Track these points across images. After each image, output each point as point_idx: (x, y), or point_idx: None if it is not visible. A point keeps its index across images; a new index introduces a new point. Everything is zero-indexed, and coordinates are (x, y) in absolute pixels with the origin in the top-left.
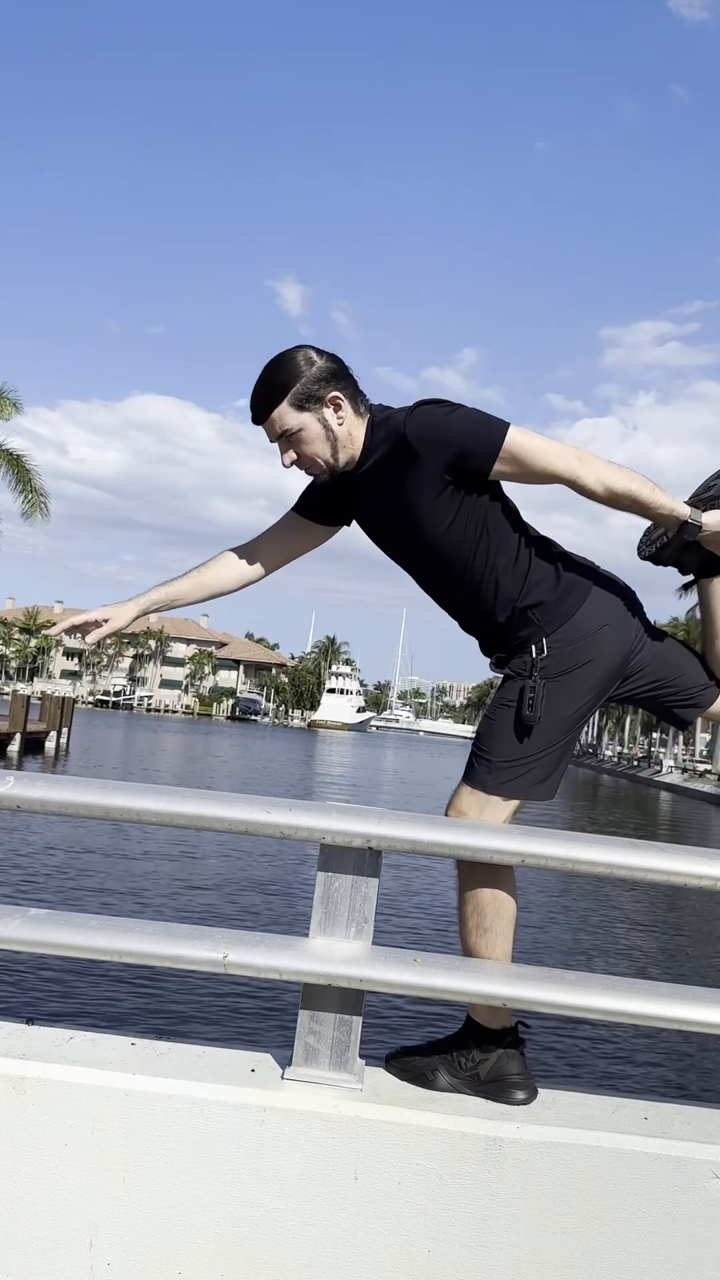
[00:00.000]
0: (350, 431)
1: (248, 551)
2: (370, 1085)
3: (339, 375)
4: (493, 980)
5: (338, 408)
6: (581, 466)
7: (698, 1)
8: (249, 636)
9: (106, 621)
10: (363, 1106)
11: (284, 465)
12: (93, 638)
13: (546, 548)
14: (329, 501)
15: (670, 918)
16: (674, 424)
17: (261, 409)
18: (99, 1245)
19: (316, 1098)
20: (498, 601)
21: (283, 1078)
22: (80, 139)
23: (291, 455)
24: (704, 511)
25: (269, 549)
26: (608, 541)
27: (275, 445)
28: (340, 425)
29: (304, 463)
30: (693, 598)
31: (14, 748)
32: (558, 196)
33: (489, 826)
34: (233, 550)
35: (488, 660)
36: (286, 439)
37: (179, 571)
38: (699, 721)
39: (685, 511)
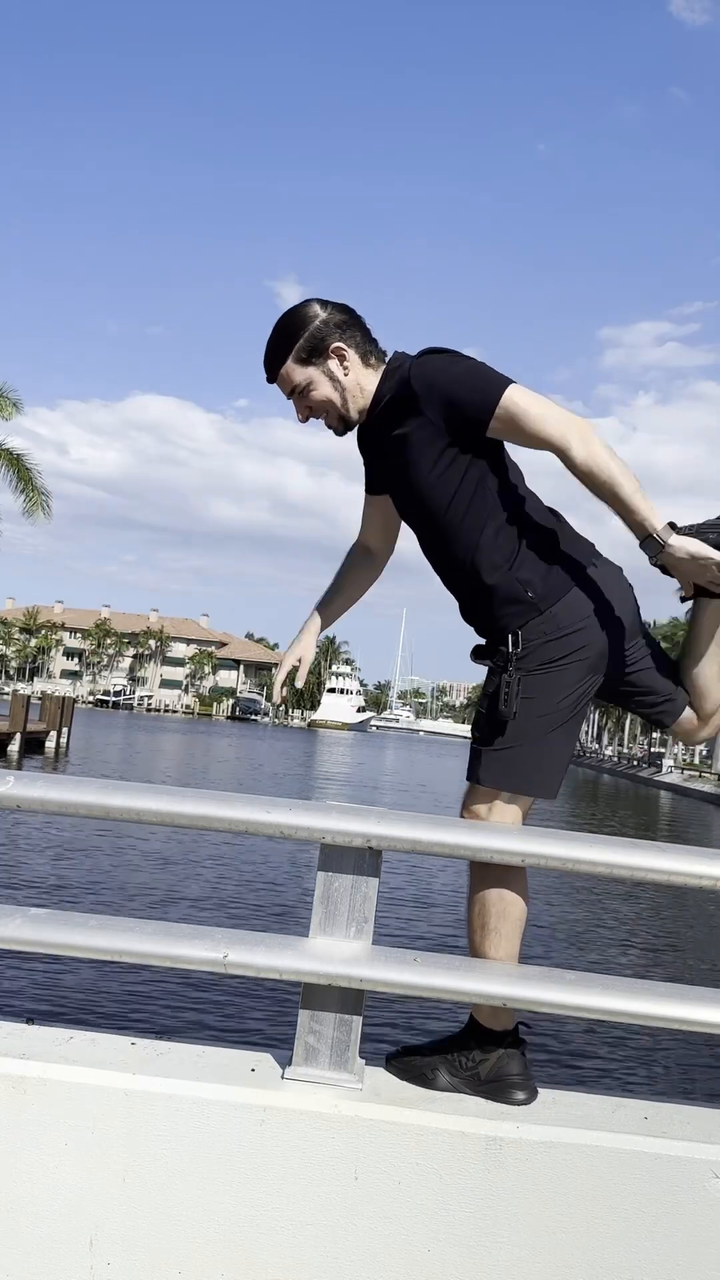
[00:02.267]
0: (359, 382)
1: (366, 545)
2: (370, 1085)
3: (345, 325)
4: (493, 980)
5: (342, 359)
6: (577, 439)
7: (698, 5)
8: (249, 636)
9: (301, 661)
10: (363, 1106)
11: (299, 420)
12: (300, 681)
13: (545, 521)
14: (376, 470)
15: (670, 918)
16: (673, 424)
17: (270, 367)
18: (99, 1245)
19: (316, 1098)
20: (484, 567)
21: (283, 1077)
22: (80, 139)
23: (304, 410)
24: (677, 534)
25: (377, 534)
26: (608, 541)
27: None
28: (346, 376)
29: (317, 414)
30: None
31: (14, 748)
32: (558, 197)
33: (489, 826)
34: (358, 547)
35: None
36: (298, 394)
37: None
38: None
39: (656, 526)
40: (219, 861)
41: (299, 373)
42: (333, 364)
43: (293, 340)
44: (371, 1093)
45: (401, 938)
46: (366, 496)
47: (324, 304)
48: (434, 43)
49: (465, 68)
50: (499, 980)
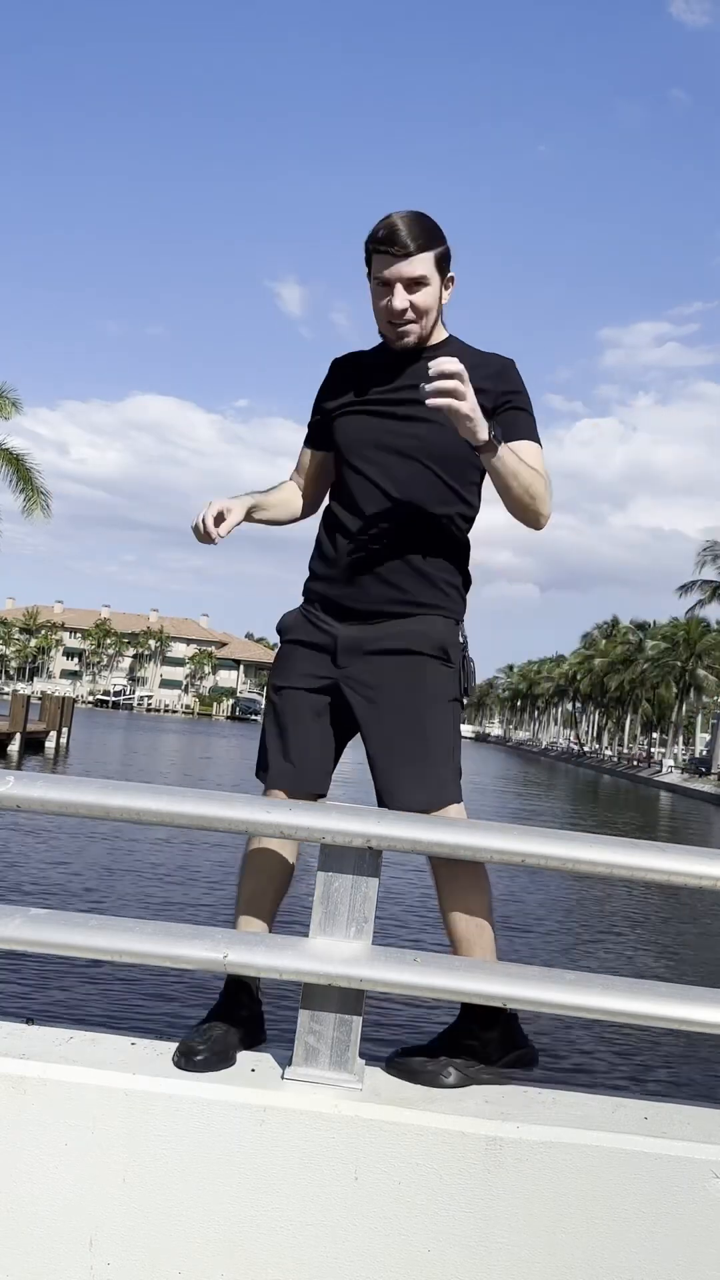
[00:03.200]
0: (441, 319)
1: (296, 487)
2: (370, 1085)
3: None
4: (493, 980)
5: (448, 288)
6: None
7: (699, 7)
8: (249, 636)
9: (229, 512)
10: (363, 1106)
11: (396, 306)
12: (225, 529)
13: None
14: (321, 431)
15: (670, 918)
16: (673, 424)
17: (417, 244)
18: (99, 1245)
19: (316, 1097)
20: (443, 542)
21: (283, 1077)
22: (81, 139)
23: (408, 299)
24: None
25: (311, 488)
26: (609, 541)
27: (384, 301)
28: (444, 303)
29: (411, 313)
30: (692, 598)
31: (14, 748)
32: (558, 198)
33: (489, 826)
34: (293, 483)
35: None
36: (411, 283)
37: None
38: (699, 720)
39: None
40: (219, 861)
41: (427, 266)
42: (444, 287)
43: (437, 240)
44: (371, 1093)
45: (401, 938)
46: (310, 452)
47: None
48: (434, 43)
49: (466, 68)
50: (499, 980)
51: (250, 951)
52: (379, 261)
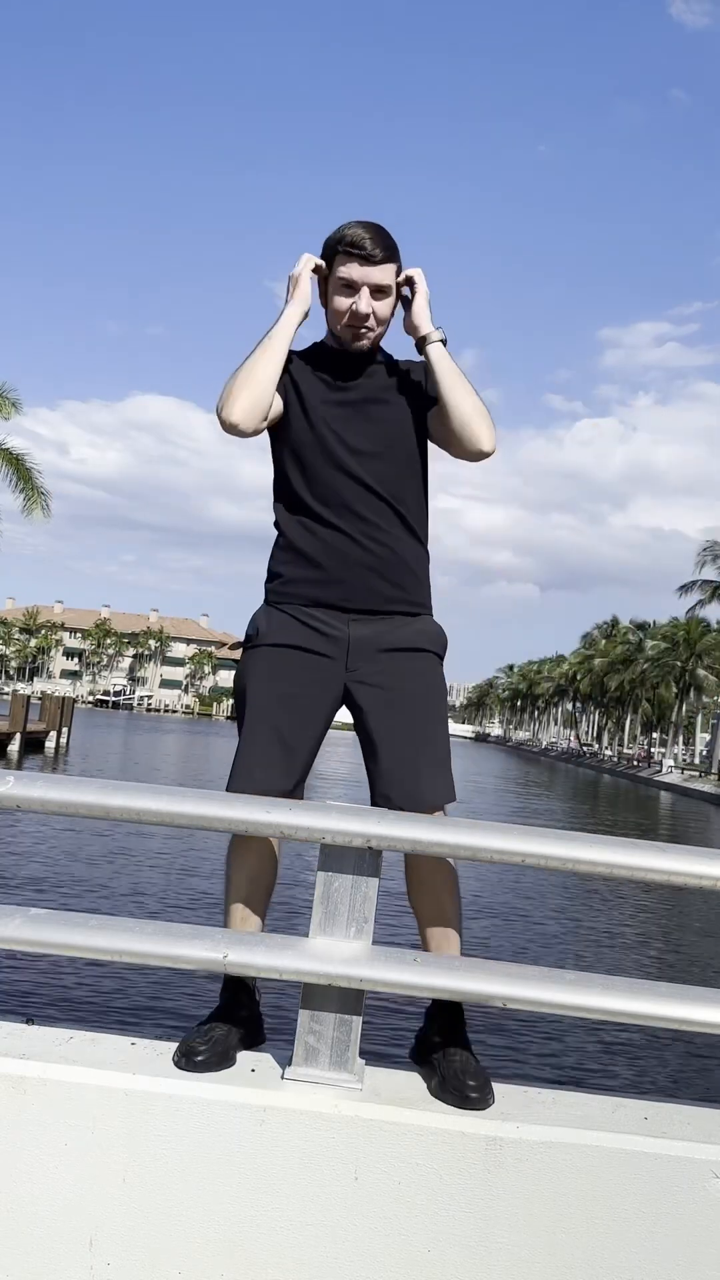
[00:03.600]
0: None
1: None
2: (370, 1085)
3: None
4: (493, 980)
5: (399, 300)
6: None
7: (698, 8)
8: None
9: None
10: (363, 1106)
11: (361, 310)
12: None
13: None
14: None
15: (670, 917)
16: (673, 424)
17: (385, 253)
18: (99, 1245)
19: (316, 1097)
20: (417, 534)
21: (283, 1077)
22: (81, 138)
23: (373, 305)
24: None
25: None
26: (608, 541)
27: (353, 304)
28: (392, 315)
29: (371, 319)
30: (692, 598)
31: (14, 748)
32: (558, 199)
33: (488, 826)
34: None
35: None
36: (378, 292)
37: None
38: (699, 720)
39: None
40: (218, 861)
41: (390, 276)
42: (395, 301)
43: (398, 254)
44: (371, 1093)
45: (402, 938)
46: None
47: None
48: (434, 44)
49: (466, 69)
50: (499, 980)
51: (250, 951)
52: (347, 264)
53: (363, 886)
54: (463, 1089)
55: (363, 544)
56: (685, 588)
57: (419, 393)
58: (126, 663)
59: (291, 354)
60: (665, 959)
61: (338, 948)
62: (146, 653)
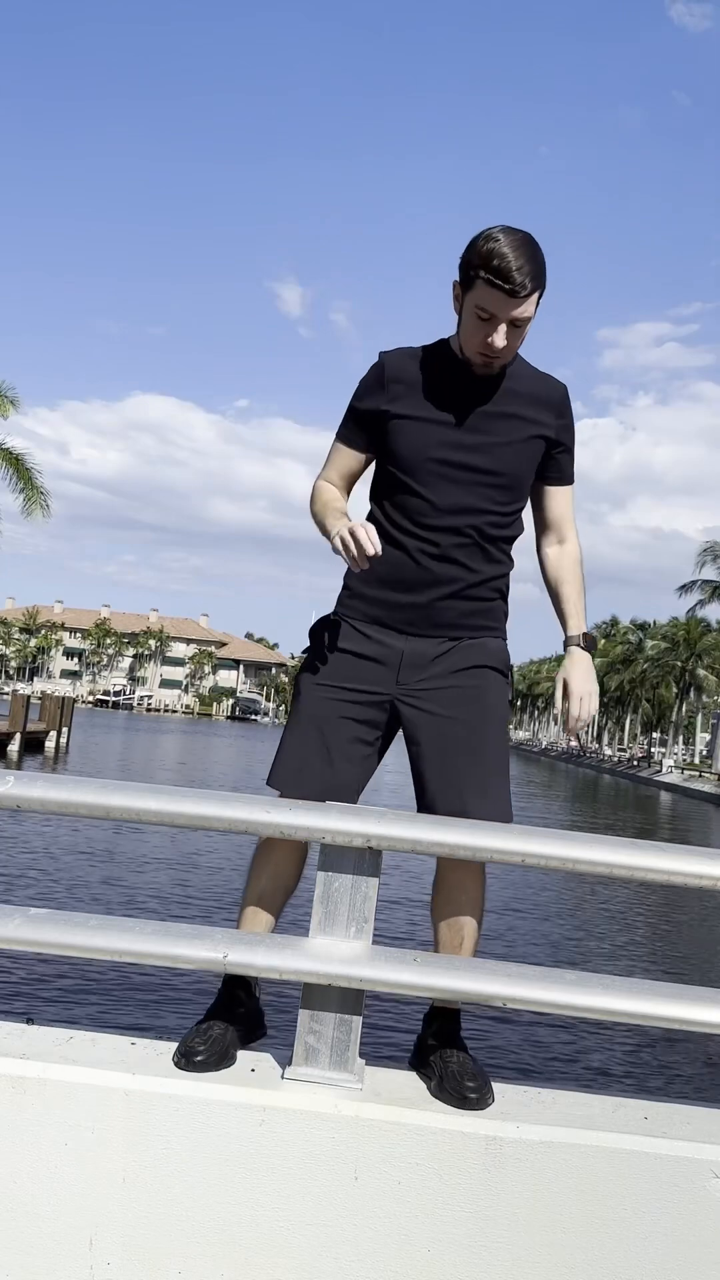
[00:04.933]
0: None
1: (341, 494)
2: (370, 1085)
3: None
4: (493, 980)
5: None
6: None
7: (699, 11)
8: (249, 636)
9: (364, 526)
10: (363, 1106)
11: (497, 345)
12: (375, 537)
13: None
14: (369, 430)
15: (670, 917)
16: (672, 425)
17: (534, 284)
18: (99, 1245)
19: (316, 1097)
20: (504, 561)
21: (283, 1077)
22: (81, 138)
23: (504, 340)
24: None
25: (343, 483)
26: (608, 541)
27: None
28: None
29: (504, 350)
30: (692, 598)
31: (14, 747)
32: (558, 200)
33: (488, 826)
34: (336, 490)
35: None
36: (516, 325)
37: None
38: (699, 720)
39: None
40: (218, 861)
41: (533, 307)
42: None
43: (545, 276)
44: (371, 1093)
45: (401, 938)
46: (352, 453)
47: None
48: (435, 45)
49: (466, 70)
50: (499, 980)
51: (250, 951)
52: (488, 294)
53: (363, 886)
54: (462, 1089)
55: (440, 564)
56: (685, 588)
57: (544, 420)
58: (126, 663)
59: (412, 351)
60: (665, 959)
61: (337, 947)
62: (146, 653)
